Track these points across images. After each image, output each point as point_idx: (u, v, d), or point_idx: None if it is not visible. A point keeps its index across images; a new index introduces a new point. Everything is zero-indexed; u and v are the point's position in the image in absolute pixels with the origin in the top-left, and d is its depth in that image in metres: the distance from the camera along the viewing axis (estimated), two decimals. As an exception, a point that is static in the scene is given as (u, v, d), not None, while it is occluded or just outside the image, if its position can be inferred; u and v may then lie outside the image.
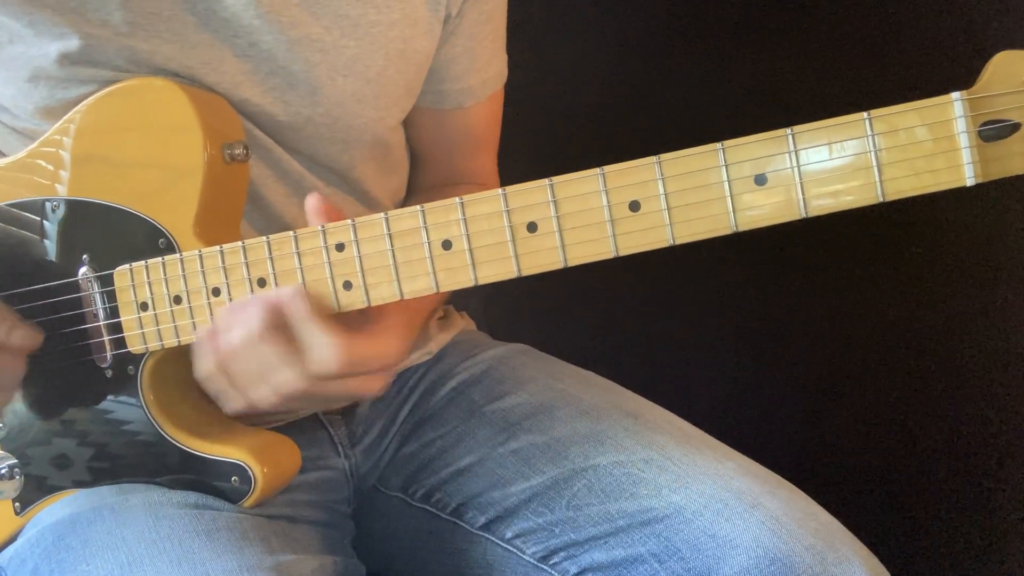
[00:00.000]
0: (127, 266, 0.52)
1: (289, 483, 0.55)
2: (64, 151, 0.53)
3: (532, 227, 0.45)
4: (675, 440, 0.56)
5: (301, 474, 0.56)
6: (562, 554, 0.56)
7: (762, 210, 0.43)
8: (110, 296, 0.53)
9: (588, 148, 0.85)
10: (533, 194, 0.45)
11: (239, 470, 0.52)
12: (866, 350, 0.88)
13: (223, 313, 0.48)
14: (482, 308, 0.75)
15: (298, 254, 0.49)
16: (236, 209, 0.54)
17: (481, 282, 0.47)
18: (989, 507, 0.87)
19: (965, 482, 0.87)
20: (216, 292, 0.50)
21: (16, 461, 0.56)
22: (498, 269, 0.46)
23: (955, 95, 0.40)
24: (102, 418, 0.54)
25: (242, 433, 0.55)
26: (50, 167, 0.54)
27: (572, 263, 0.45)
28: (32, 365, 0.55)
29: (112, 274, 0.53)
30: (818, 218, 0.43)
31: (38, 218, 0.54)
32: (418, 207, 0.47)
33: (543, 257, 0.45)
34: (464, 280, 0.47)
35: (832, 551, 0.49)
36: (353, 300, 0.48)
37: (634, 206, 0.44)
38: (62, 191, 0.53)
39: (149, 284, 0.52)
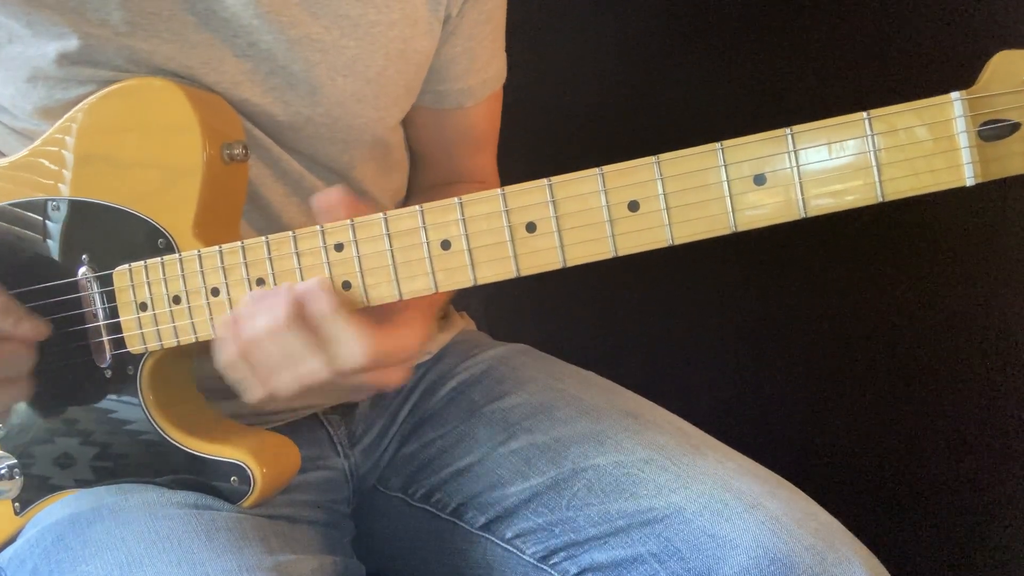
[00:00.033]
0: (126, 266, 0.52)
1: (289, 483, 0.55)
2: (63, 151, 0.53)
3: (531, 227, 0.45)
4: (675, 440, 0.56)
5: (301, 474, 0.56)
6: (562, 554, 0.56)
7: (761, 210, 0.43)
8: (109, 296, 0.53)
9: (588, 148, 0.85)
10: (532, 194, 0.45)
11: (238, 470, 0.52)
12: (866, 350, 0.88)
13: (247, 301, 0.48)
14: (482, 308, 0.75)
15: (297, 254, 0.49)
16: (235, 209, 0.54)
17: (480, 282, 0.47)
18: (989, 507, 0.87)
19: (965, 482, 0.87)
20: (215, 292, 0.50)
21: (16, 461, 0.56)
22: (497, 269, 0.46)
23: (955, 95, 0.40)
24: (102, 418, 0.54)
25: (241, 433, 0.55)
26: (49, 167, 0.54)
27: (571, 263, 0.45)
28: (33, 365, 0.55)
29: (111, 274, 0.53)
30: (818, 218, 0.43)
31: (38, 218, 0.54)
32: (417, 207, 0.47)
33: (542, 257, 0.45)
34: (463, 280, 0.46)
35: (832, 551, 0.49)
36: (352, 300, 0.48)
37: (633, 206, 0.44)
38: (61, 191, 0.53)
39: (148, 284, 0.52)
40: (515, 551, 0.57)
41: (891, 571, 0.51)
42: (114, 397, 0.54)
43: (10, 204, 0.55)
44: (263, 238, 0.49)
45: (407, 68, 0.58)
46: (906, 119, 0.41)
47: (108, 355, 0.53)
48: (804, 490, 0.54)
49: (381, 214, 0.47)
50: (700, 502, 0.52)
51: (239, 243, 0.50)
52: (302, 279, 0.48)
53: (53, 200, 0.54)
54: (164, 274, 0.51)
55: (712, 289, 0.90)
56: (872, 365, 0.88)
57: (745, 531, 0.50)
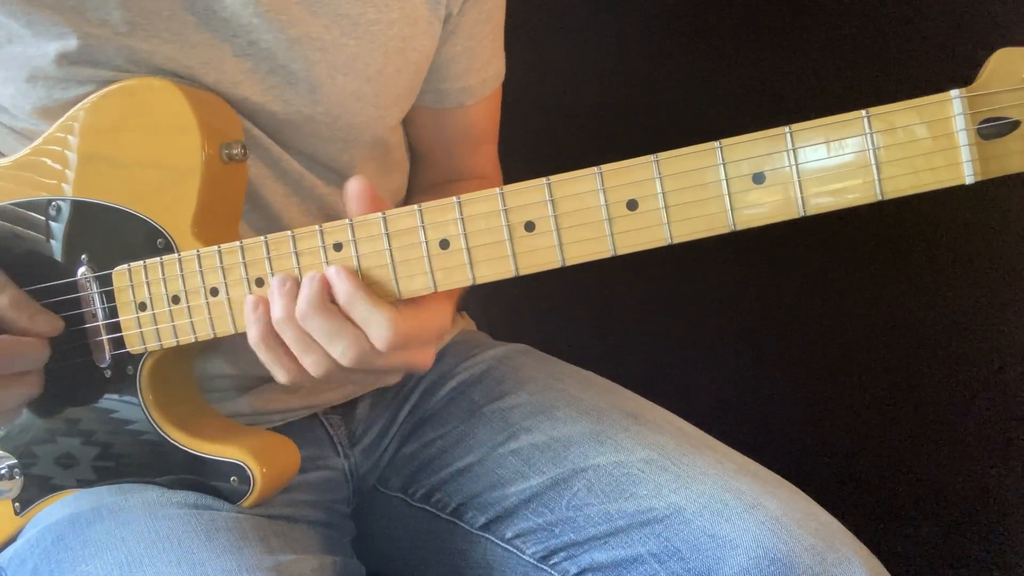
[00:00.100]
0: (125, 266, 0.52)
1: (288, 483, 0.55)
2: (63, 151, 0.53)
3: (530, 226, 0.45)
4: (675, 440, 0.56)
5: (301, 474, 0.56)
6: (562, 554, 0.56)
7: (760, 209, 0.42)
8: (109, 296, 0.53)
9: (587, 148, 0.85)
10: (530, 193, 0.45)
11: (238, 470, 0.52)
12: (866, 350, 0.88)
13: (275, 284, 0.48)
14: (482, 308, 0.75)
15: (296, 254, 0.49)
16: (234, 209, 0.54)
17: (479, 281, 0.46)
18: (989, 507, 0.86)
19: (965, 482, 0.87)
20: (214, 292, 0.50)
21: (16, 461, 0.56)
22: (496, 268, 0.46)
23: (954, 93, 0.40)
24: (101, 418, 0.54)
25: (241, 433, 0.55)
26: (49, 167, 0.54)
27: (570, 262, 0.45)
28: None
29: (111, 274, 0.53)
30: (817, 217, 0.42)
31: (37, 218, 0.54)
32: (415, 206, 0.47)
33: (541, 256, 0.45)
34: (462, 280, 0.46)
35: (832, 551, 0.49)
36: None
37: (632, 205, 0.44)
38: (61, 191, 0.54)
39: (147, 284, 0.52)
40: (515, 551, 0.57)
41: (891, 571, 0.51)
42: (114, 397, 0.54)
43: (10, 204, 0.55)
44: (262, 238, 0.49)
45: (407, 67, 0.58)
46: (905, 117, 0.41)
47: (107, 355, 0.53)
48: (804, 490, 0.54)
49: (380, 213, 0.47)
50: (700, 502, 0.52)
51: (238, 243, 0.50)
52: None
53: (52, 200, 0.54)
54: (163, 274, 0.51)
55: (712, 289, 0.89)
56: (872, 365, 0.88)
57: (745, 531, 0.50)
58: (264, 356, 0.48)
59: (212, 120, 0.52)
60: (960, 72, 0.42)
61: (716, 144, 0.42)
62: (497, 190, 0.45)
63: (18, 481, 0.56)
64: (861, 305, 0.87)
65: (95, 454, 0.55)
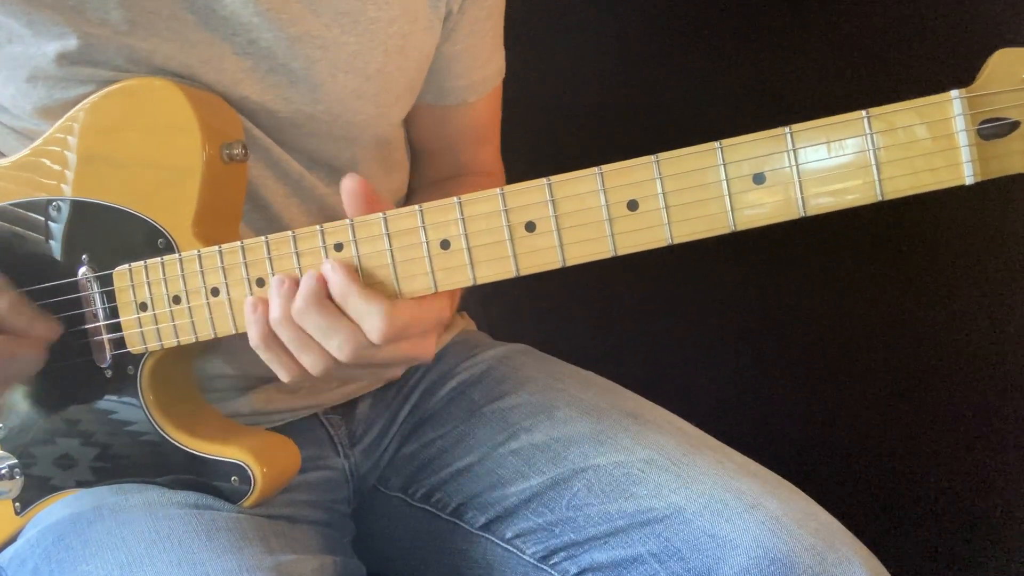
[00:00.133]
0: (126, 266, 0.52)
1: (289, 483, 0.55)
2: (63, 151, 0.53)
3: (530, 227, 0.45)
4: (675, 440, 0.56)
5: (301, 474, 0.56)
6: (562, 554, 0.56)
7: (761, 209, 0.43)
8: (109, 296, 0.53)
9: (588, 148, 0.85)
10: (531, 194, 0.45)
11: (239, 470, 0.52)
12: (866, 350, 0.88)
13: (274, 284, 0.48)
14: (482, 308, 0.75)
15: (297, 254, 0.49)
16: (235, 209, 0.54)
17: (480, 282, 0.47)
18: (990, 507, 0.86)
19: (966, 482, 0.87)
20: (215, 292, 0.50)
21: (16, 461, 0.56)
22: (497, 269, 0.46)
23: (954, 93, 0.40)
24: (102, 418, 0.54)
25: (242, 433, 0.55)
26: (49, 167, 0.54)
27: (571, 263, 0.45)
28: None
29: (111, 274, 0.53)
30: (817, 217, 0.42)
31: (38, 218, 0.54)
32: (416, 207, 0.47)
33: (542, 257, 0.45)
34: (462, 280, 0.46)
35: (832, 551, 0.49)
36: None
37: (632, 205, 0.44)
38: (62, 191, 0.54)
39: (148, 284, 0.52)
40: (515, 551, 0.57)
41: (891, 571, 0.51)
42: (114, 397, 0.54)
43: (10, 204, 0.55)
44: (263, 238, 0.49)
45: (407, 65, 0.58)
46: (905, 118, 0.41)
47: (108, 355, 0.53)
48: (804, 490, 0.54)
49: (380, 213, 0.47)
50: (700, 502, 0.52)
51: (239, 243, 0.50)
52: None
53: (53, 200, 0.54)
54: (164, 274, 0.51)
55: (712, 289, 0.90)
56: (872, 365, 0.88)
57: (745, 531, 0.50)
58: (265, 356, 0.48)
59: (213, 120, 0.52)
60: (960, 72, 0.42)
61: (716, 144, 0.43)
62: (498, 190, 0.45)
63: (18, 481, 0.56)
64: (861, 305, 0.87)
65: (95, 454, 0.55)
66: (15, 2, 0.51)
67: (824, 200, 0.42)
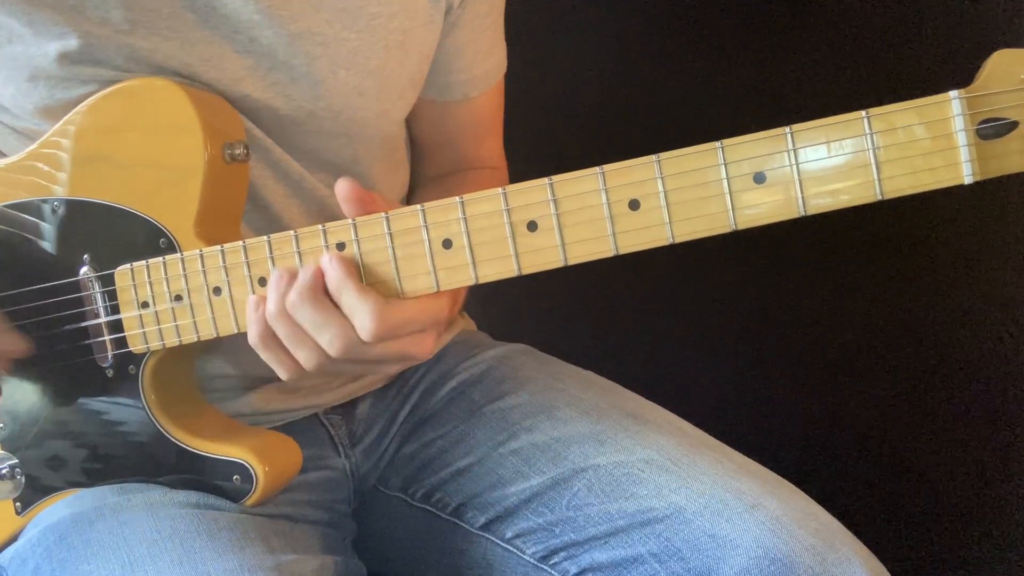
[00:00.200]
0: (128, 266, 0.52)
1: (290, 482, 0.55)
2: (65, 151, 0.53)
3: (532, 226, 0.45)
4: (675, 440, 0.56)
5: (302, 474, 0.56)
6: (562, 554, 0.56)
7: (761, 208, 0.43)
8: (111, 296, 0.53)
9: (588, 147, 0.85)
10: (533, 193, 0.45)
11: (241, 469, 0.52)
12: (866, 349, 0.88)
13: (273, 278, 0.48)
14: (482, 308, 0.75)
15: (299, 253, 0.49)
16: (236, 209, 0.54)
17: (481, 281, 0.47)
18: (991, 506, 0.87)
19: (966, 481, 0.87)
20: (217, 291, 0.50)
21: (17, 461, 0.56)
22: (498, 268, 0.46)
23: (953, 93, 0.40)
24: (103, 418, 0.54)
25: (243, 432, 0.55)
26: (51, 167, 0.54)
27: (572, 262, 0.45)
28: (34, 365, 0.55)
29: (113, 274, 0.53)
30: (817, 217, 0.43)
31: (39, 218, 0.54)
32: (418, 206, 0.47)
33: (543, 256, 0.45)
34: (464, 279, 0.47)
35: (832, 551, 0.49)
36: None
37: (634, 205, 0.44)
38: (63, 191, 0.54)
39: (150, 284, 0.52)
40: (515, 551, 0.57)
41: (891, 571, 0.51)
42: (116, 397, 0.54)
43: (11, 204, 0.55)
44: (265, 237, 0.49)
45: (408, 61, 0.58)
46: (905, 118, 0.41)
47: (109, 355, 0.53)
48: (804, 490, 0.54)
49: (383, 213, 0.47)
50: (700, 502, 0.52)
51: (241, 242, 0.50)
52: None
53: (55, 200, 0.54)
54: (166, 273, 0.51)
55: (712, 289, 0.90)
56: (872, 364, 0.88)
57: (745, 531, 0.50)
58: (264, 355, 0.49)
59: (214, 120, 0.52)
60: (959, 73, 0.42)
61: (717, 144, 0.43)
62: (500, 190, 0.45)
63: (19, 481, 0.56)
64: (861, 305, 0.87)
65: (96, 454, 0.55)
66: (15, 2, 0.51)
67: (824, 199, 0.42)
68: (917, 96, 0.41)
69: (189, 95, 0.51)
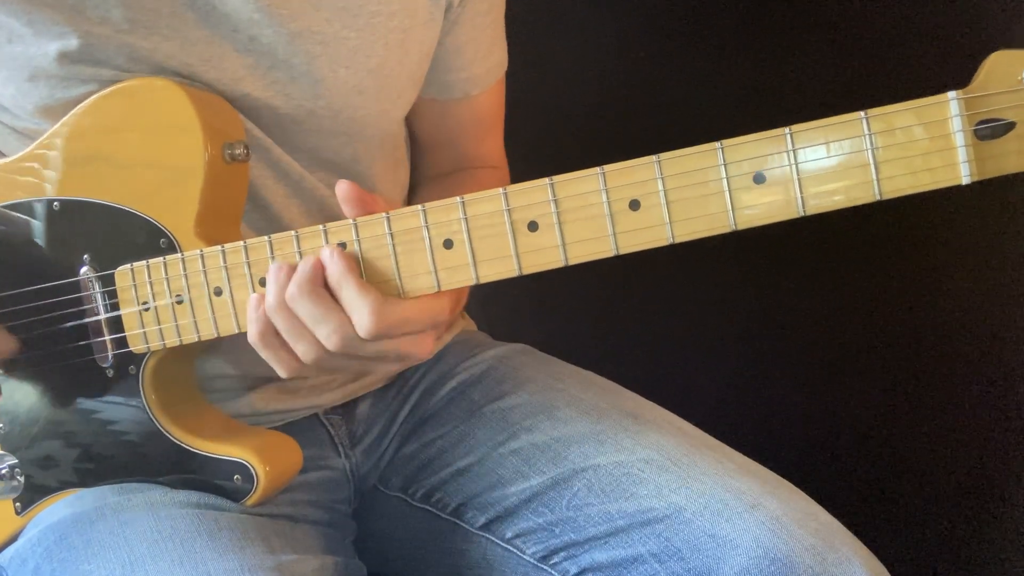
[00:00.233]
0: (128, 266, 0.52)
1: (291, 482, 0.55)
2: (65, 151, 0.53)
3: (533, 226, 0.45)
4: (675, 440, 0.56)
5: (302, 474, 0.56)
6: (562, 554, 0.56)
7: (761, 209, 0.43)
8: (111, 296, 0.53)
9: (588, 148, 0.85)
10: (534, 193, 0.45)
11: (242, 469, 0.52)
12: (866, 349, 0.88)
13: (272, 271, 0.48)
14: (482, 308, 0.75)
15: (300, 253, 0.49)
16: (237, 209, 0.54)
17: (482, 280, 0.47)
18: (990, 507, 0.87)
19: (966, 482, 0.87)
20: (218, 292, 0.50)
21: (17, 461, 0.56)
22: (499, 268, 0.46)
23: (951, 94, 0.41)
24: (103, 418, 0.54)
25: (244, 432, 0.55)
26: (51, 167, 0.54)
27: (573, 262, 0.45)
28: (33, 365, 0.55)
29: (113, 274, 0.53)
30: (817, 217, 0.43)
31: (39, 218, 0.54)
32: (419, 206, 0.47)
33: (544, 256, 0.45)
34: (465, 279, 0.47)
35: (832, 551, 0.49)
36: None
37: (634, 205, 0.44)
38: (63, 191, 0.54)
39: (151, 284, 0.52)
40: (515, 551, 0.58)
41: (891, 571, 0.51)
42: (116, 397, 0.54)
43: (11, 204, 0.55)
44: (266, 237, 0.49)
45: (408, 59, 0.58)
46: (903, 118, 0.41)
47: (110, 355, 0.54)
48: (804, 490, 0.54)
49: (384, 213, 0.47)
50: (700, 502, 0.52)
51: (242, 243, 0.50)
52: None
53: (55, 200, 0.54)
54: (166, 273, 0.51)
55: (712, 289, 0.90)
56: (872, 364, 0.88)
57: (745, 531, 0.50)
58: (264, 353, 0.49)
59: (214, 120, 0.52)
60: (957, 74, 0.42)
61: (717, 145, 0.43)
62: (500, 190, 0.46)
63: (19, 481, 0.56)
64: (861, 305, 0.87)
65: (97, 454, 0.55)
66: (15, 1, 0.51)
67: (824, 200, 0.42)
68: (915, 97, 0.41)
69: (189, 95, 0.51)
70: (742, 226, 0.43)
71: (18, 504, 0.56)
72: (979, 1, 0.77)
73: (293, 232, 0.49)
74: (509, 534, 0.58)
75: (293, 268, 0.47)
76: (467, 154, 0.68)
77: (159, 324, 0.52)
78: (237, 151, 0.52)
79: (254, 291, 0.49)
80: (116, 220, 0.52)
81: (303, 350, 0.47)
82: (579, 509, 0.55)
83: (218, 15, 0.52)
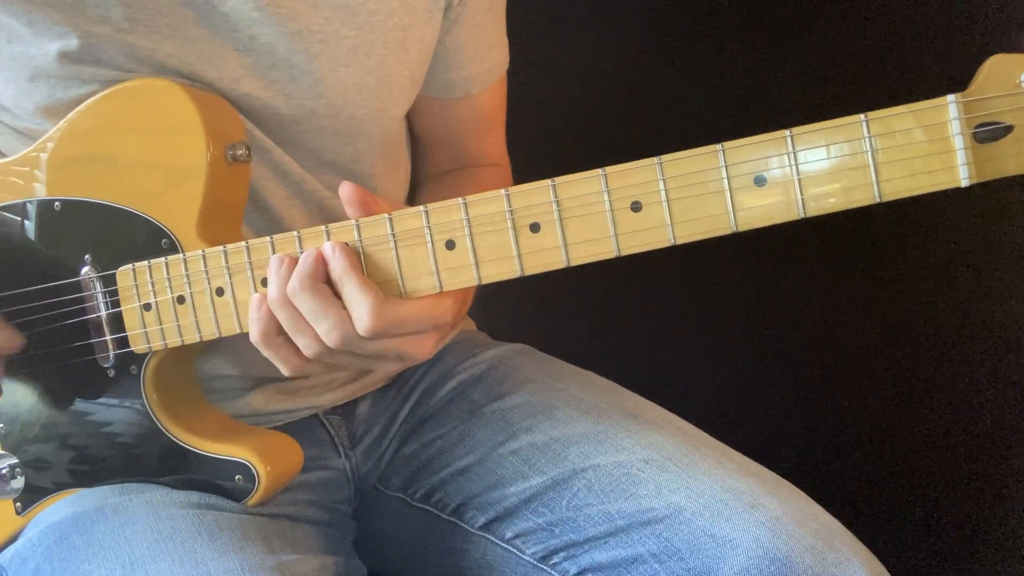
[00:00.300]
0: (130, 266, 0.52)
1: (291, 482, 0.55)
2: (66, 151, 0.53)
3: (535, 227, 0.45)
4: (675, 440, 0.56)
5: (302, 474, 0.56)
6: (562, 554, 0.56)
7: (761, 210, 0.43)
8: (112, 296, 0.53)
9: (589, 149, 0.85)
10: (536, 195, 0.45)
11: (243, 468, 0.52)
12: (866, 349, 0.88)
13: (273, 263, 0.48)
14: (482, 308, 0.75)
15: (302, 253, 0.49)
16: (238, 209, 0.54)
17: (484, 281, 0.47)
18: (990, 507, 0.87)
19: (966, 482, 0.87)
20: (220, 292, 0.51)
21: (17, 461, 0.56)
22: (501, 269, 0.46)
23: (950, 98, 0.41)
24: (104, 418, 0.54)
25: (245, 432, 0.55)
26: (52, 167, 0.54)
27: (575, 263, 0.45)
28: (34, 364, 0.55)
29: (115, 274, 0.53)
30: (817, 218, 0.43)
31: (40, 218, 0.54)
32: (422, 207, 0.47)
33: (546, 257, 0.46)
34: (467, 279, 0.47)
35: (832, 551, 0.50)
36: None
37: (636, 206, 0.44)
38: (64, 191, 0.54)
39: (152, 284, 0.52)
40: (515, 551, 0.58)
41: (891, 571, 0.51)
42: (117, 397, 0.54)
43: (12, 204, 0.55)
44: (268, 238, 0.49)
45: (408, 57, 0.58)
46: (903, 121, 0.41)
47: (111, 355, 0.54)
48: (804, 490, 0.54)
49: (386, 215, 0.48)
50: (700, 502, 0.52)
51: (243, 243, 0.50)
52: None
53: (56, 200, 0.54)
54: (168, 274, 0.51)
55: (712, 289, 0.90)
56: (872, 364, 0.88)
57: (745, 531, 0.50)
58: (267, 352, 0.49)
59: (216, 121, 0.52)
60: (956, 77, 0.43)
61: (718, 147, 0.43)
62: (503, 191, 0.46)
63: (20, 480, 0.56)
64: (861, 305, 0.87)
65: (97, 453, 0.55)
66: (15, 1, 0.51)
67: (824, 201, 0.43)
68: (915, 100, 0.41)
69: (191, 96, 0.51)
70: (743, 227, 0.43)
71: (18, 504, 0.56)
72: (979, 1, 0.78)
73: (295, 232, 0.49)
74: (509, 534, 0.58)
75: (295, 261, 0.47)
76: (468, 152, 0.68)
77: (160, 324, 0.52)
78: (239, 152, 0.52)
79: (256, 291, 0.50)
80: (117, 220, 0.52)
81: (305, 344, 0.47)
82: (579, 509, 0.55)
83: (218, 14, 0.52)
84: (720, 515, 0.51)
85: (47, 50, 0.51)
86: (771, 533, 0.50)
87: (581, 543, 0.55)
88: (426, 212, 0.47)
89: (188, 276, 0.51)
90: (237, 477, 0.52)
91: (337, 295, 0.47)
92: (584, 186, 0.45)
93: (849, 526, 0.52)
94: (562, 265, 0.46)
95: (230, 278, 0.50)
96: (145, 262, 0.52)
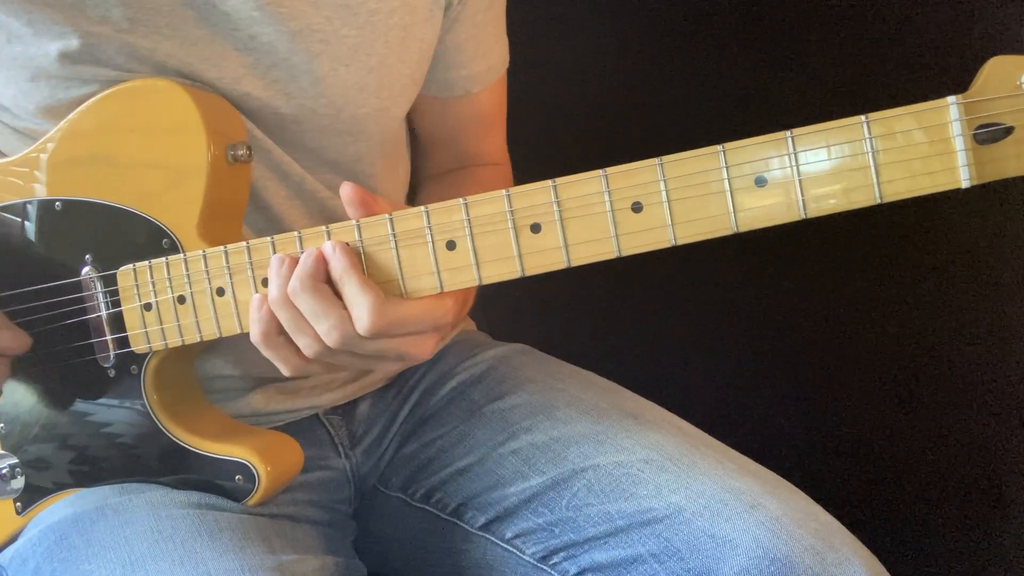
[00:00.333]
0: (131, 266, 0.52)
1: (292, 482, 0.56)
2: (67, 152, 0.53)
3: (536, 228, 0.45)
4: (675, 440, 0.56)
5: (302, 474, 0.57)
6: (562, 554, 0.56)
7: (762, 211, 0.43)
8: (113, 296, 0.53)
9: (589, 149, 0.85)
10: (536, 195, 0.45)
11: (243, 469, 0.52)
12: (866, 349, 0.88)
13: (274, 263, 0.48)
14: (482, 308, 0.75)
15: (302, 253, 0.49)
16: (239, 209, 0.54)
17: (485, 282, 0.47)
18: (990, 507, 0.87)
19: (968, 482, 0.87)
20: (220, 292, 0.51)
21: (18, 460, 0.56)
22: (502, 269, 0.46)
23: (950, 99, 0.41)
24: (104, 418, 0.54)
25: (245, 432, 0.55)
26: (53, 167, 0.54)
27: (575, 263, 0.46)
28: (34, 364, 0.55)
29: (115, 274, 0.53)
30: (818, 219, 0.43)
31: (41, 218, 0.54)
32: (422, 208, 0.47)
33: (547, 257, 0.46)
34: (468, 280, 0.47)
35: (832, 551, 0.50)
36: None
37: (636, 207, 0.44)
38: (65, 191, 0.54)
39: (153, 284, 0.52)
40: (515, 551, 0.58)
41: (891, 572, 0.51)
42: (117, 397, 0.54)
43: (13, 204, 0.55)
44: (268, 238, 0.49)
45: (408, 56, 0.58)
46: (903, 123, 0.41)
47: (111, 354, 0.54)
48: (804, 490, 0.54)
49: (386, 215, 0.48)
50: (700, 502, 0.52)
51: (244, 243, 0.50)
52: None
53: (56, 200, 0.54)
54: (169, 274, 0.52)
55: (712, 289, 0.90)
56: (872, 365, 0.88)
57: (745, 531, 0.50)
58: (268, 352, 0.49)
59: (217, 121, 0.52)
60: (956, 79, 0.43)
61: (719, 147, 0.43)
62: (503, 192, 0.46)
63: (20, 480, 0.56)
64: (861, 305, 0.88)
65: (98, 453, 0.55)
66: (15, 1, 0.51)
67: (824, 202, 0.43)
68: (915, 101, 0.41)
69: (192, 96, 0.51)
70: (743, 228, 0.43)
71: (18, 504, 0.57)
72: (979, 2, 0.78)
73: (296, 233, 0.49)
74: (509, 534, 0.58)
75: (295, 261, 0.47)
76: (469, 152, 0.68)
77: (161, 324, 0.52)
78: (240, 152, 0.52)
79: (256, 291, 0.50)
80: (118, 220, 0.52)
81: (305, 344, 0.47)
82: (579, 509, 0.55)
83: (218, 13, 0.52)
84: (720, 515, 0.51)
85: (47, 50, 0.51)
86: (771, 533, 0.50)
87: (581, 543, 0.55)
88: (427, 212, 0.47)
89: (189, 276, 0.51)
90: (237, 477, 0.52)
91: (338, 295, 0.47)
92: (585, 186, 0.45)
93: (849, 526, 0.52)
94: (563, 266, 0.46)
95: (231, 278, 0.50)
96: (146, 262, 0.52)
